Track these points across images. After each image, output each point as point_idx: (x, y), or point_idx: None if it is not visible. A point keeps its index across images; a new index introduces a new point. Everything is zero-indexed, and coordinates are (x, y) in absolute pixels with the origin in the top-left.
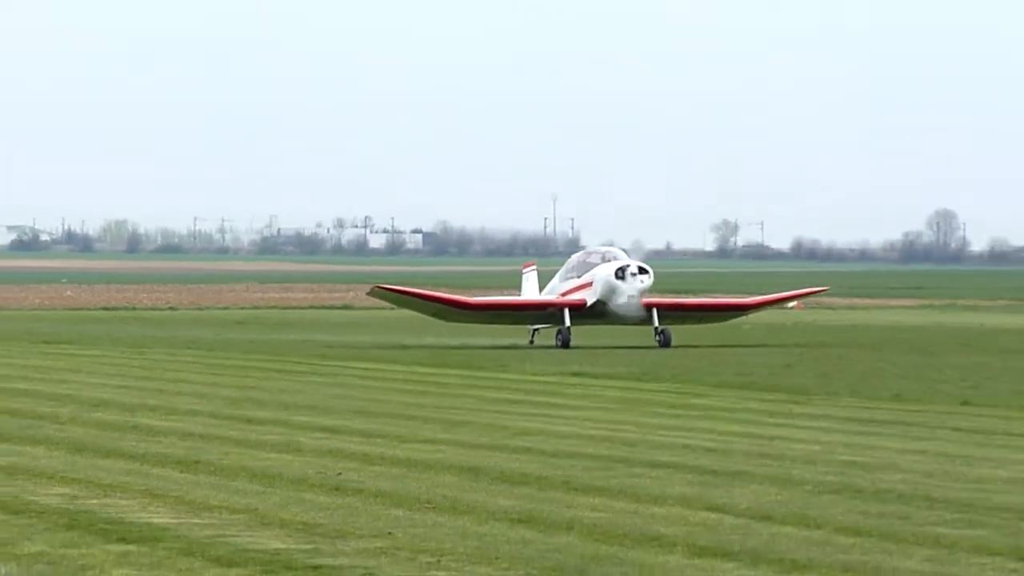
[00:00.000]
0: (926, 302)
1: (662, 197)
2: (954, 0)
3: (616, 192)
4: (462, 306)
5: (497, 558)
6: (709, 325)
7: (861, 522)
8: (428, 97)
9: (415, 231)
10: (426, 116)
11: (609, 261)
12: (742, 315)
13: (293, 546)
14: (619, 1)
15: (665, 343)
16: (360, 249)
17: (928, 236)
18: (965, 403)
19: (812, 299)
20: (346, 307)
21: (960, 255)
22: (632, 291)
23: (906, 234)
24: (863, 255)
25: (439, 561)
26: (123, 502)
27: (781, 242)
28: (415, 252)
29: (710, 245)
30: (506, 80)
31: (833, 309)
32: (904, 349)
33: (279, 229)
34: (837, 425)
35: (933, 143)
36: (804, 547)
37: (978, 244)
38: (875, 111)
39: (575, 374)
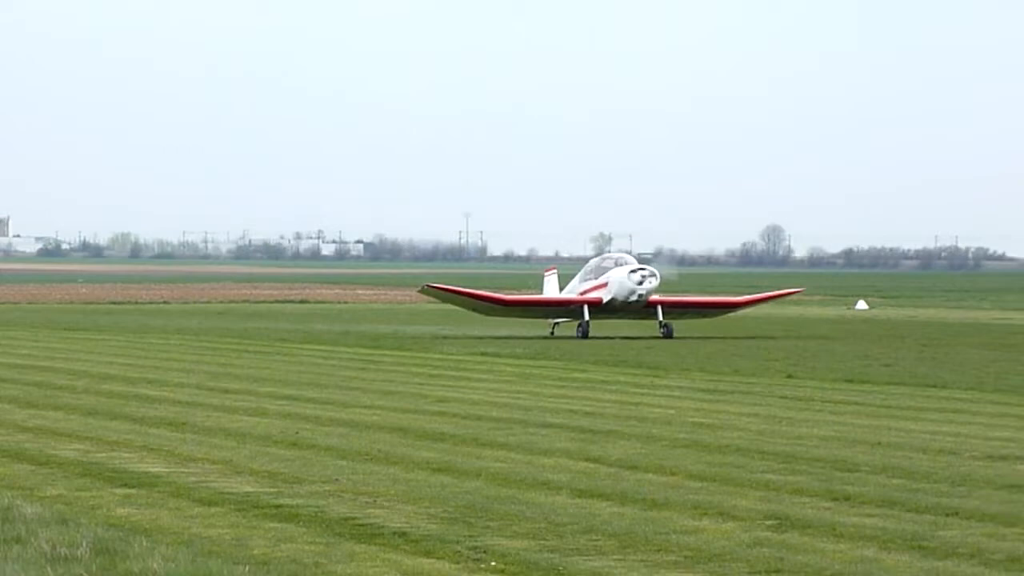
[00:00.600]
0: None
1: (550, 212)
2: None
3: (515, 207)
4: (500, 302)
5: (421, 498)
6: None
7: (707, 470)
8: (367, 129)
9: (357, 241)
10: (366, 146)
11: (621, 266)
12: (733, 312)
13: (260, 489)
14: (527, 33)
15: (668, 335)
16: (314, 255)
17: (761, 245)
18: (790, 376)
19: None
20: (303, 301)
21: (786, 260)
22: (643, 290)
23: (744, 244)
24: (710, 260)
25: (375, 501)
26: (126, 455)
27: (647, 249)
28: (357, 258)
29: (590, 252)
30: (428, 111)
31: None
32: (741, 335)
33: (250, 240)
34: (688, 394)
35: (767, 172)
36: (663, 490)
37: (800, 251)
38: (722, 147)
39: (482, 354)
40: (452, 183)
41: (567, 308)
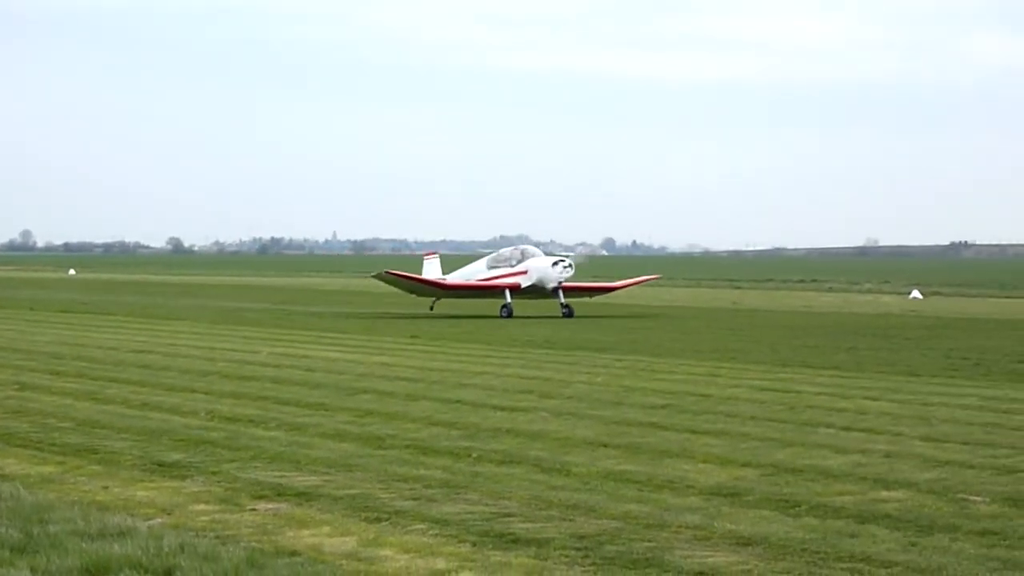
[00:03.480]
0: None
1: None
2: None
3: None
4: (442, 286)
5: None
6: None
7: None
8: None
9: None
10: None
11: (535, 256)
12: (610, 293)
13: None
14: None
15: (569, 315)
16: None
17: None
18: (166, 318)
19: None
20: None
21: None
22: (562, 278)
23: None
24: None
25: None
26: None
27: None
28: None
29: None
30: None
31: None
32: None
33: None
34: (128, 327)
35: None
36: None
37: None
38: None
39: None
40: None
41: (490, 291)
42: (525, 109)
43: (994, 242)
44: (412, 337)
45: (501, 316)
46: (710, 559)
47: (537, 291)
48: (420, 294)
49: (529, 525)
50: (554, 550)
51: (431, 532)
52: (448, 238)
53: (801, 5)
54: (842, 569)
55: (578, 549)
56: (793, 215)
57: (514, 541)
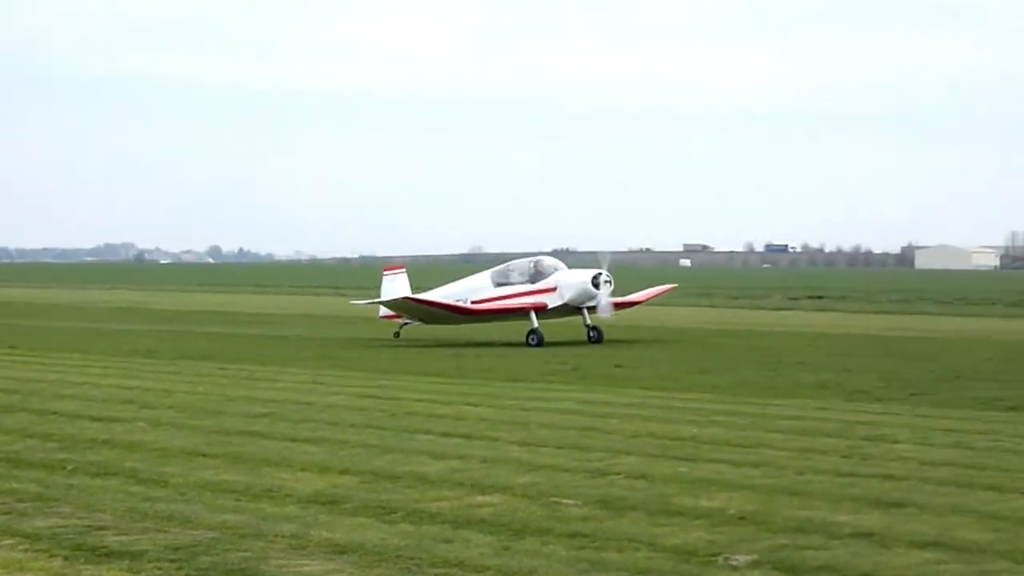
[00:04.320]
0: None
1: None
2: None
3: None
4: (469, 312)
5: None
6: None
7: None
8: None
9: None
10: None
11: (559, 269)
12: (632, 307)
13: None
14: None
15: (598, 339)
16: None
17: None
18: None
19: None
20: None
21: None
22: (600, 294)
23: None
24: None
25: None
26: None
27: None
28: None
29: None
30: None
31: None
32: None
33: None
34: None
35: None
36: None
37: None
38: None
39: None
40: None
41: (515, 313)
42: (141, 114)
43: (592, 249)
44: (10, 348)
45: (529, 344)
46: (306, 568)
47: (569, 311)
48: (433, 321)
49: (123, 538)
50: (147, 562)
51: (21, 547)
52: (51, 245)
53: (388, 8)
54: (435, 575)
55: (172, 561)
56: (397, 222)
57: (107, 555)
